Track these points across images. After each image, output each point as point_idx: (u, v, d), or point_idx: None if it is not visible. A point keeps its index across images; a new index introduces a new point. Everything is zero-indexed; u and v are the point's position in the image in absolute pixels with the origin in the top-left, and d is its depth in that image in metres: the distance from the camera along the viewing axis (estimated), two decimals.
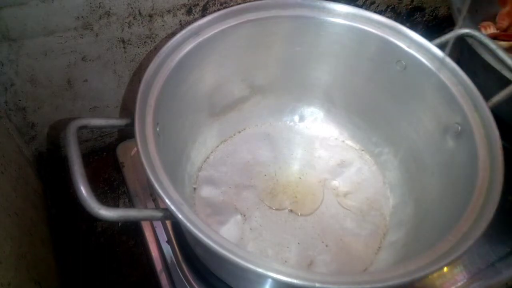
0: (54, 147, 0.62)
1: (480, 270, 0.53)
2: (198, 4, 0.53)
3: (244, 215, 0.53)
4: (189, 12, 0.53)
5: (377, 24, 0.50)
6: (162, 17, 0.52)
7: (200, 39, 0.46)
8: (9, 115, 0.53)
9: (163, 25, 0.53)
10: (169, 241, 0.52)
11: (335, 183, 0.57)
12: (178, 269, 0.50)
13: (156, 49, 0.54)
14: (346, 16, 0.50)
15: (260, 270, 0.31)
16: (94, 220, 0.56)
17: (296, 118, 0.62)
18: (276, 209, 0.54)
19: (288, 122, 0.63)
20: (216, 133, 0.58)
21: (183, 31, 0.45)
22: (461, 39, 0.52)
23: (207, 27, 0.47)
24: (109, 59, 0.53)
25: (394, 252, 0.49)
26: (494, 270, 0.53)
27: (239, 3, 0.51)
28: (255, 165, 0.58)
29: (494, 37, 0.62)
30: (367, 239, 0.52)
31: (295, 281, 0.31)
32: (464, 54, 0.60)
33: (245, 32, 0.50)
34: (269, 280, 0.39)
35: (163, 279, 0.49)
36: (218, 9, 0.53)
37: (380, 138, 0.58)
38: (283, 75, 0.58)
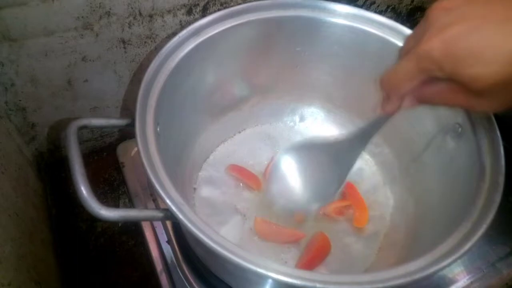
0: (54, 147, 0.62)
1: (480, 270, 0.53)
2: (198, 4, 0.53)
3: (244, 216, 0.53)
4: (189, 12, 0.53)
5: (378, 25, 0.50)
6: (162, 17, 0.52)
7: (200, 39, 0.46)
8: (9, 115, 0.53)
9: (163, 25, 0.53)
10: (169, 242, 0.52)
11: None
12: (178, 269, 0.50)
13: (157, 49, 0.54)
14: (346, 16, 0.50)
15: (260, 270, 0.31)
16: (94, 220, 0.57)
17: (297, 118, 0.62)
18: (276, 210, 0.54)
19: (288, 122, 0.63)
20: (216, 133, 0.58)
21: (184, 31, 0.45)
22: None
23: (208, 27, 0.47)
24: (109, 59, 0.53)
25: (395, 253, 0.49)
26: (494, 270, 0.54)
27: (240, 4, 0.51)
28: (255, 165, 0.58)
29: None
30: (367, 240, 0.52)
31: (295, 281, 0.31)
32: None
33: (245, 33, 0.49)
34: (269, 281, 0.39)
35: (163, 279, 0.49)
36: (219, 10, 0.52)
37: (381, 139, 0.58)
38: (283, 75, 0.58)
